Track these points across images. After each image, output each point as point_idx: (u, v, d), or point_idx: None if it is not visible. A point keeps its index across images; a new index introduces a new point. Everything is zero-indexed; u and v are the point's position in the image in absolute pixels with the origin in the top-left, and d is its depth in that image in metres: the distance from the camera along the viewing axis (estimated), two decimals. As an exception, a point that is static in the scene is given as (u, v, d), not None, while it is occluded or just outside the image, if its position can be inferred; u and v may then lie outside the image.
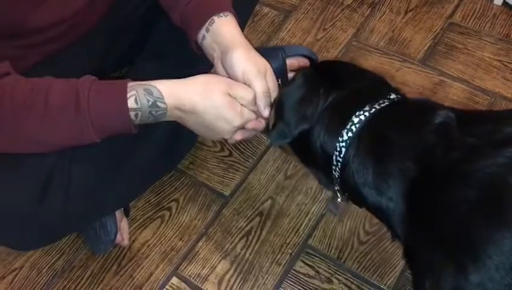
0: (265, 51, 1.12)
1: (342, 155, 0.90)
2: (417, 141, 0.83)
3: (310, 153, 0.96)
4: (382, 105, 0.89)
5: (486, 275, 0.73)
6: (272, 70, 0.99)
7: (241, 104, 0.94)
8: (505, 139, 0.77)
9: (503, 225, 0.72)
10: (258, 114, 0.96)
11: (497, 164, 0.75)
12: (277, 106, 0.97)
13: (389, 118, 0.88)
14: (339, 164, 0.90)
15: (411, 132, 0.85)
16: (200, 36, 1.01)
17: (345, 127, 0.89)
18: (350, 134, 0.88)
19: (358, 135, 0.88)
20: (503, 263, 0.72)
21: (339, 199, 0.98)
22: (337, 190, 0.96)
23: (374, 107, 0.89)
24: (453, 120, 0.83)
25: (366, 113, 0.88)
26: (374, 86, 0.95)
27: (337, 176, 0.92)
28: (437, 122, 0.83)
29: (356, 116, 0.88)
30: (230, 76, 0.97)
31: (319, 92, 0.93)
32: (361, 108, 0.89)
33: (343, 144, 0.89)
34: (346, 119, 0.89)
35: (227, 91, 0.92)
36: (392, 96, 0.92)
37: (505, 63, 1.51)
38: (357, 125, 0.88)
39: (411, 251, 0.86)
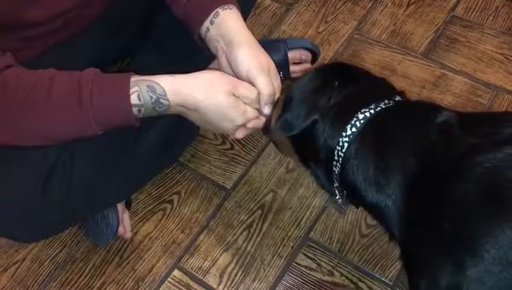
0: (267, 44, 1.12)
1: (343, 150, 0.90)
2: (418, 138, 0.84)
3: (311, 148, 0.95)
4: (388, 105, 0.90)
5: (484, 270, 0.72)
6: (275, 68, 0.99)
7: (244, 103, 0.94)
8: (504, 139, 0.78)
9: (502, 218, 0.72)
10: (259, 112, 0.96)
11: (496, 158, 0.75)
12: (286, 99, 0.97)
13: (392, 117, 0.89)
14: (340, 159, 0.90)
15: (413, 129, 0.86)
16: (203, 29, 1.01)
17: (349, 123, 0.89)
18: (354, 129, 0.89)
19: (362, 131, 0.89)
20: (501, 257, 0.71)
21: (337, 198, 0.98)
22: (336, 187, 0.96)
23: (379, 106, 0.90)
24: (454, 120, 0.83)
25: (372, 111, 0.89)
26: (383, 88, 0.97)
27: (337, 172, 0.92)
28: (439, 121, 0.84)
29: (361, 113, 0.89)
30: (234, 71, 0.97)
31: (333, 84, 0.93)
32: (367, 106, 0.90)
33: (346, 139, 0.89)
34: (351, 115, 0.90)
35: (232, 91, 0.92)
36: (398, 98, 0.93)
37: (508, 57, 1.50)
38: (362, 121, 0.89)
39: (407, 250, 0.86)
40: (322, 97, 0.93)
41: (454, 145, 0.80)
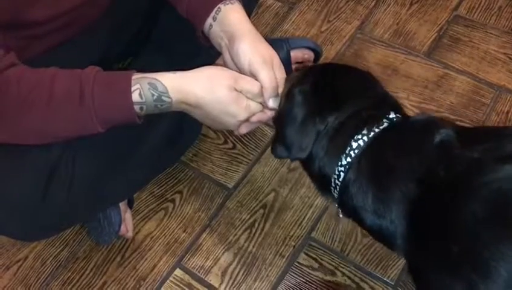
0: (269, 43, 1.11)
1: (340, 179, 0.89)
2: (418, 162, 0.82)
3: (309, 172, 0.96)
4: (381, 127, 0.87)
5: None
6: (279, 59, 0.98)
7: (247, 98, 0.93)
8: (507, 155, 0.76)
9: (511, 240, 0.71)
10: (264, 105, 0.95)
11: (500, 177, 0.73)
12: (278, 123, 0.96)
13: (388, 142, 0.87)
14: (338, 187, 0.90)
15: (411, 153, 0.84)
16: (207, 25, 1.01)
17: (343, 152, 0.88)
18: (349, 159, 0.87)
19: (358, 160, 0.87)
20: None
21: (340, 214, 0.97)
22: (337, 206, 0.95)
23: (372, 130, 0.87)
24: (454, 138, 0.81)
25: (365, 138, 0.87)
26: (374, 105, 0.91)
27: (336, 196, 0.92)
28: (437, 141, 0.81)
29: (355, 141, 0.87)
30: (237, 66, 0.97)
31: (315, 120, 0.90)
32: (359, 132, 0.87)
33: (342, 168, 0.88)
34: (344, 144, 0.88)
35: (233, 86, 0.91)
36: (392, 115, 0.89)
37: (510, 56, 1.50)
38: (356, 151, 0.87)
39: (415, 269, 0.85)
40: (305, 137, 0.90)
41: (455, 164, 0.78)
